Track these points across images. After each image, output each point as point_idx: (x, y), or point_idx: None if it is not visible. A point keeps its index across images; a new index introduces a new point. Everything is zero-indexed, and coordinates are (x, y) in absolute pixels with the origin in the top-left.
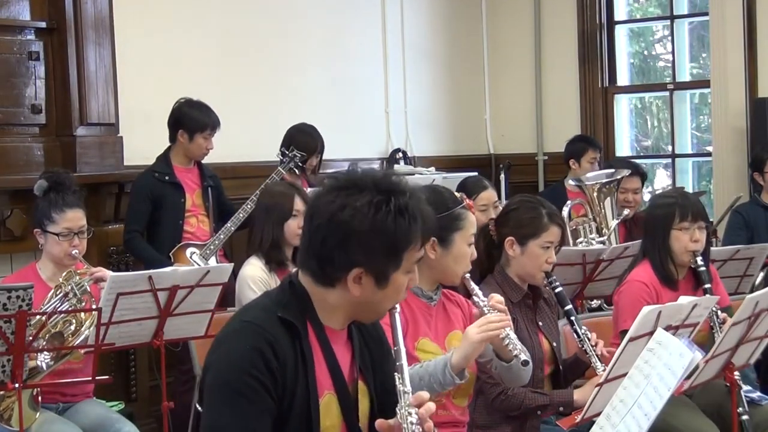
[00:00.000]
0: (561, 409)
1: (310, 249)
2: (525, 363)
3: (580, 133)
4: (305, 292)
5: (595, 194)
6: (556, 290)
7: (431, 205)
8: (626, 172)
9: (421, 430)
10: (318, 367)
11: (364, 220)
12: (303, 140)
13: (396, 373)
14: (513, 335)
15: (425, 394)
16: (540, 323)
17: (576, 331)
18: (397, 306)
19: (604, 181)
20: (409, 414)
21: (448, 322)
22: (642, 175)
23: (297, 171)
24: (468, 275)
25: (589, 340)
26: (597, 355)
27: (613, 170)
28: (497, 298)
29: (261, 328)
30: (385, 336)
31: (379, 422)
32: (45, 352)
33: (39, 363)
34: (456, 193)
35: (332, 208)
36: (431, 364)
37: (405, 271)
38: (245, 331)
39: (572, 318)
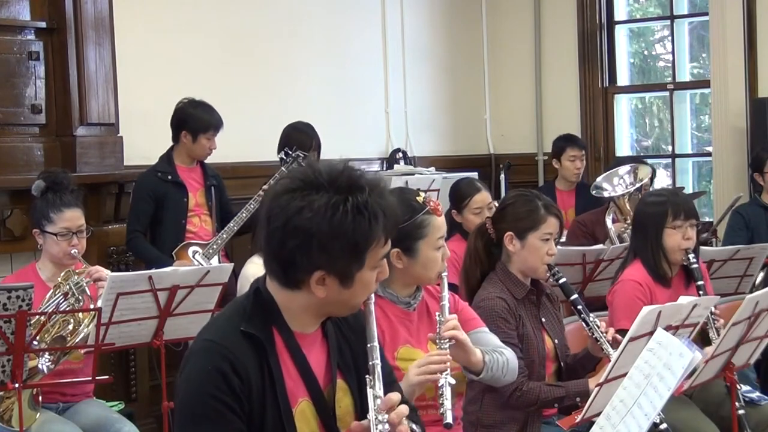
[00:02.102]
0: (578, 399)
1: (270, 252)
2: (447, 426)
3: (564, 134)
4: (271, 298)
5: (627, 204)
6: (560, 281)
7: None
8: (648, 170)
9: None
10: (288, 376)
11: (321, 223)
12: (298, 138)
13: (367, 375)
14: (448, 386)
15: (395, 397)
16: (543, 320)
17: (584, 320)
18: (372, 296)
19: (631, 190)
20: (379, 422)
21: (431, 324)
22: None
23: None
24: (445, 275)
25: (598, 327)
26: (608, 341)
27: (629, 167)
28: (452, 323)
29: (221, 346)
30: None
31: (354, 425)
32: (46, 355)
33: (40, 366)
34: (419, 197)
35: (289, 211)
36: None
37: (371, 268)
38: (206, 351)
39: (579, 307)
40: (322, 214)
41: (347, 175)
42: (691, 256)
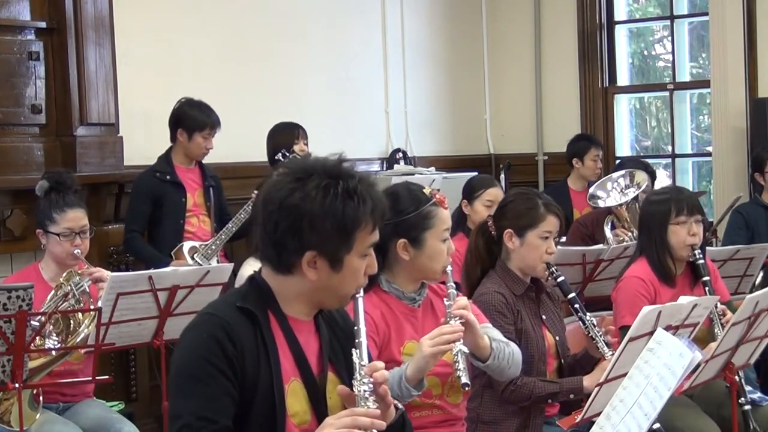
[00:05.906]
0: (572, 396)
1: (266, 236)
2: (464, 386)
3: (581, 132)
4: (266, 285)
5: (626, 214)
6: (558, 279)
7: (401, 204)
8: (644, 175)
9: (372, 397)
10: (282, 354)
11: (313, 203)
12: (283, 140)
13: (354, 349)
14: (462, 352)
15: (380, 364)
16: (543, 317)
17: (581, 318)
18: (361, 291)
19: (628, 199)
20: (363, 383)
21: (436, 321)
22: (651, 174)
23: None
24: (450, 269)
25: (594, 326)
26: (605, 341)
27: (623, 172)
28: (461, 303)
29: (217, 317)
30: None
31: (340, 388)
32: (53, 336)
33: (48, 345)
34: (426, 190)
35: (282, 193)
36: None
37: (359, 255)
38: (202, 322)
39: (576, 306)
40: (313, 196)
41: (339, 165)
42: (697, 252)
